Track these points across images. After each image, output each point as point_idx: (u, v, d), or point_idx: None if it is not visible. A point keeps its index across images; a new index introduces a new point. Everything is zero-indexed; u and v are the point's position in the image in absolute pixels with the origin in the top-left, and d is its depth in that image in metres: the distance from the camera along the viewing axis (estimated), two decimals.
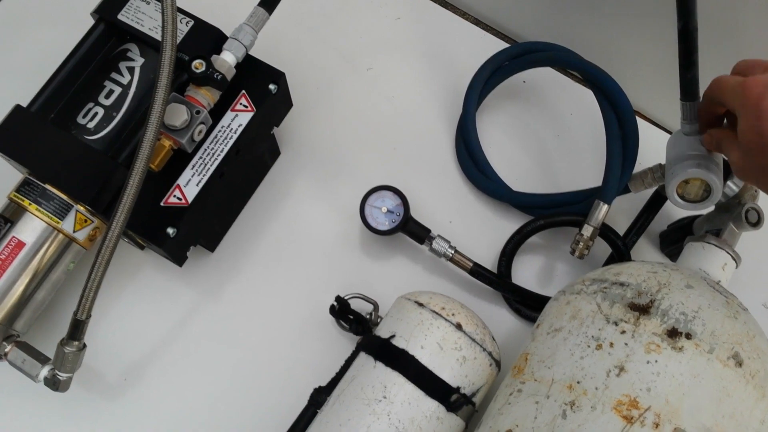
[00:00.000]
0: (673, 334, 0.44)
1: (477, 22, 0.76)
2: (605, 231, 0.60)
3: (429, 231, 0.60)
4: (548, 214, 0.62)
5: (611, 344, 0.45)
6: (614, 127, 0.58)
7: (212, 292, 0.63)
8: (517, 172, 0.68)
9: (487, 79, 0.65)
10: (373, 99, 0.71)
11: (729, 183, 0.55)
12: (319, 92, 0.71)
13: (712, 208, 0.58)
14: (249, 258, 0.64)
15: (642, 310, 0.46)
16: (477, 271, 0.59)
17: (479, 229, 0.65)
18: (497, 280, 0.60)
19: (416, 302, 0.51)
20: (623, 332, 0.45)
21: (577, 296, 0.49)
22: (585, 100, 0.69)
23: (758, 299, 0.64)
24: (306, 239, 0.64)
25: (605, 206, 0.58)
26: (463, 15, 0.76)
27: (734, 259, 0.54)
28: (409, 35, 0.74)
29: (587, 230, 0.58)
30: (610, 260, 0.61)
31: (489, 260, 0.64)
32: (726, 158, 0.49)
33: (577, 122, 0.70)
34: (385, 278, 0.63)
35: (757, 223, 0.55)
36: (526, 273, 0.64)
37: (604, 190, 0.58)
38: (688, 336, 0.44)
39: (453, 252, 0.60)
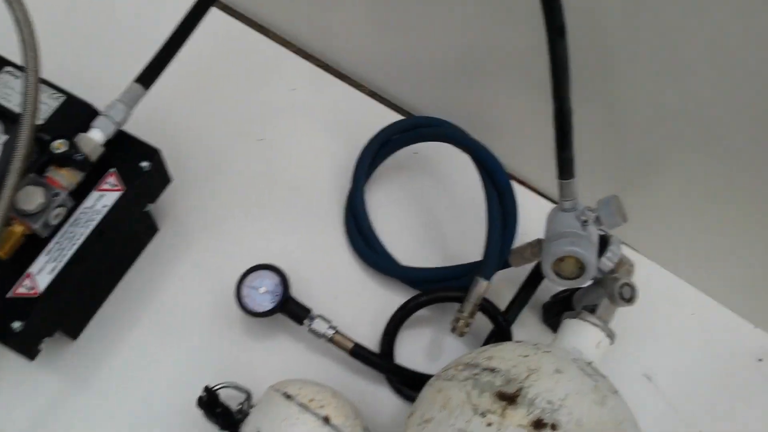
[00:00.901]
0: (538, 425, 0.43)
1: (372, 94, 0.75)
2: (486, 306, 0.59)
3: (309, 311, 0.58)
4: (435, 288, 0.61)
5: None
6: (494, 203, 0.58)
7: (77, 381, 0.58)
8: (408, 246, 0.67)
9: (376, 152, 0.64)
10: (263, 171, 0.69)
11: (604, 259, 0.56)
12: (208, 164, 0.69)
13: (589, 283, 0.58)
14: (120, 342, 0.60)
15: (509, 399, 0.45)
16: (357, 353, 0.58)
17: (367, 306, 0.63)
18: (378, 361, 0.58)
19: (284, 394, 0.49)
20: (489, 424, 0.43)
21: (449, 383, 0.48)
22: (476, 173, 0.69)
23: (639, 370, 0.64)
24: (182, 321, 0.61)
25: (485, 282, 0.57)
26: (359, 87, 0.75)
27: (609, 336, 0.54)
28: (304, 106, 0.74)
29: (467, 307, 0.57)
30: (491, 337, 0.61)
31: (377, 337, 0.62)
32: None
33: (467, 194, 0.70)
34: (266, 360, 0.60)
35: (630, 299, 0.55)
36: (415, 348, 0.63)
37: (484, 267, 0.57)
38: (554, 427, 0.43)
39: (333, 332, 0.58)
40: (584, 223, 0.54)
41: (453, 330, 0.58)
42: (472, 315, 0.57)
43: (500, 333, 0.60)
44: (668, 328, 0.68)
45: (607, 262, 0.56)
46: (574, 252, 0.52)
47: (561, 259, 0.53)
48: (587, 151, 0.67)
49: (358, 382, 0.60)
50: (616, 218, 0.54)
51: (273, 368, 0.58)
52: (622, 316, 0.57)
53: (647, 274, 0.71)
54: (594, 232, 0.55)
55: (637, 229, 0.70)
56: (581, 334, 0.54)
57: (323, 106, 0.74)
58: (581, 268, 0.53)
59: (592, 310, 0.56)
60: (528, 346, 0.50)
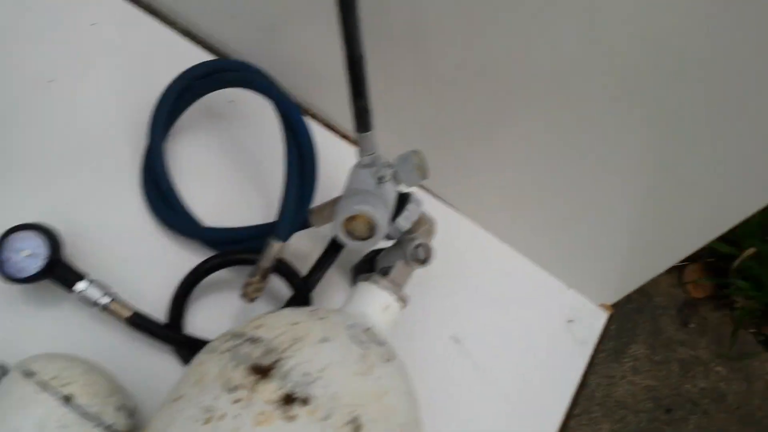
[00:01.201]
0: (288, 400, 0.39)
1: (186, 33, 0.69)
2: (283, 269, 0.55)
3: (83, 276, 0.52)
4: (230, 250, 0.56)
5: (222, 416, 0.39)
6: (293, 158, 0.53)
7: None
8: (217, 204, 0.61)
9: (175, 101, 0.58)
10: (53, 117, 0.61)
11: (400, 219, 0.53)
12: None
13: (389, 243, 0.56)
14: None
15: (263, 372, 0.41)
16: (135, 322, 0.52)
17: (164, 270, 0.57)
18: (160, 331, 0.53)
19: (25, 372, 0.43)
20: (237, 401, 0.40)
21: (209, 356, 0.44)
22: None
23: (449, 332, 0.63)
24: None
25: (277, 244, 0.53)
26: (172, 24, 0.68)
27: (400, 300, 0.51)
28: (104, 44, 0.66)
29: (257, 271, 0.53)
30: (289, 303, 0.57)
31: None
32: None
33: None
34: (38, 334, 0.54)
35: (425, 261, 0.53)
36: (215, 316, 0.58)
37: (277, 227, 0.53)
38: (305, 401, 0.39)
39: (109, 300, 0.52)
40: (380, 180, 0.51)
41: (243, 296, 0.53)
42: (263, 279, 0.53)
43: (298, 298, 0.56)
44: (483, 288, 0.67)
45: (404, 222, 0.53)
46: (362, 210, 0.48)
47: (351, 218, 0.50)
48: (407, 106, 0.64)
49: (146, 356, 0.55)
50: (414, 175, 0.51)
51: (44, 343, 0.52)
52: (437, 277, 0.55)
53: (468, 234, 0.69)
54: (390, 190, 0.51)
55: (454, 185, 0.68)
56: (369, 298, 0.51)
57: (128, 45, 0.66)
58: (372, 228, 0.50)
59: (387, 272, 0.53)
60: (304, 312, 0.47)
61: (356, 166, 0.52)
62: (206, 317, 0.58)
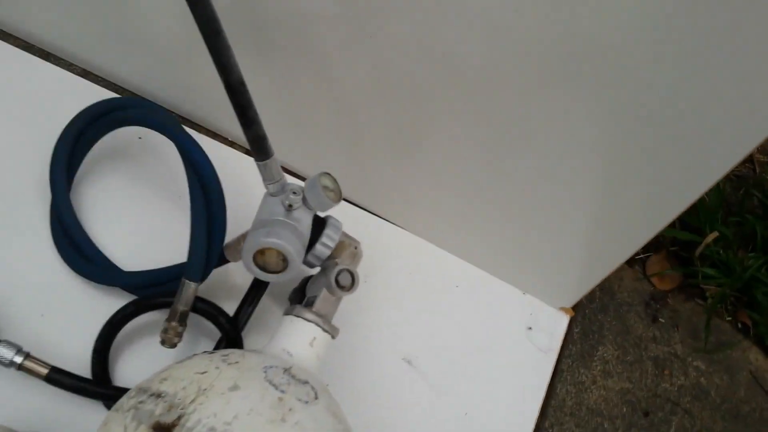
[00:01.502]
0: None
1: (86, 74, 0.66)
2: (206, 310, 0.52)
3: None
4: (148, 295, 0.53)
5: None
6: (197, 194, 0.51)
7: None
8: (139, 246, 0.58)
9: (73, 145, 0.55)
10: None
11: (318, 245, 0.50)
12: None
13: (316, 270, 0.53)
14: None
15: (166, 430, 0.38)
16: (54, 379, 0.50)
17: (85, 321, 0.54)
18: (81, 385, 0.50)
19: None
20: None
21: (116, 414, 0.41)
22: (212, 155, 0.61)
23: (399, 354, 0.60)
24: None
25: (192, 285, 0.50)
26: (69, 66, 0.65)
27: (328, 331, 0.49)
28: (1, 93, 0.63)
29: (173, 314, 0.50)
30: (219, 344, 0.54)
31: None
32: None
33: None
34: None
35: (349, 287, 0.50)
36: (147, 363, 0.55)
37: (188, 268, 0.50)
38: None
39: (23, 358, 0.49)
40: (289, 207, 0.48)
41: (162, 342, 0.51)
42: (181, 323, 0.50)
43: (228, 340, 0.53)
44: (432, 303, 0.64)
45: (322, 249, 0.50)
46: (271, 243, 0.46)
47: (261, 252, 0.47)
48: (322, 123, 0.61)
49: (80, 414, 0.52)
50: (325, 199, 0.48)
51: None
52: (384, 297, 0.52)
53: (412, 248, 0.67)
54: (302, 217, 0.49)
55: (390, 200, 0.66)
56: (292, 333, 0.48)
57: (25, 91, 0.63)
58: (285, 260, 0.47)
59: (312, 302, 0.50)
60: (215, 358, 0.44)
61: (265, 195, 0.50)
62: (138, 365, 0.55)
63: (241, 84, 0.43)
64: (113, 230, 0.58)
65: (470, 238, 0.65)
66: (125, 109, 0.55)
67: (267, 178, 0.48)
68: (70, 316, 0.55)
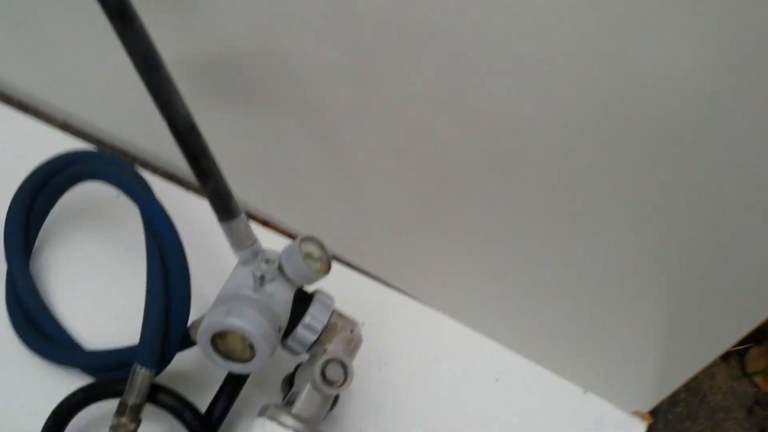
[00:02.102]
0: None
1: (65, 127, 0.60)
2: (169, 403, 0.42)
3: None
4: (102, 380, 0.44)
5: None
6: (154, 263, 0.42)
7: None
8: (104, 320, 0.50)
9: (31, 203, 0.48)
10: None
11: (300, 328, 0.39)
12: None
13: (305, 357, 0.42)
14: None
15: None
16: None
17: (36, 407, 0.45)
18: None
19: None
20: None
21: None
22: (196, 211, 0.52)
23: None
24: None
25: (144, 372, 0.41)
26: (48, 120, 0.59)
27: None
28: None
29: (123, 408, 0.40)
30: None
31: None
32: None
33: (194, 238, 0.54)
34: None
35: (340, 383, 0.39)
36: None
37: (139, 351, 0.41)
38: None
39: None
40: (261, 280, 0.38)
41: None
42: (133, 419, 0.41)
43: None
44: (469, 402, 0.52)
45: (305, 333, 0.39)
46: (229, 325, 0.36)
47: (221, 336, 0.37)
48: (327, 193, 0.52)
49: None
50: (306, 270, 0.38)
51: None
52: (416, 402, 0.42)
53: (445, 333, 0.55)
54: (278, 292, 0.38)
55: (423, 278, 0.55)
56: None
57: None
58: (252, 347, 0.37)
59: (294, 400, 0.39)
60: None
61: (237, 264, 0.40)
62: None
63: (191, 128, 0.34)
64: (79, 301, 0.50)
65: (513, 321, 0.53)
66: (84, 163, 0.47)
67: (234, 242, 0.38)
68: (21, 400, 0.46)
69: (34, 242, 0.51)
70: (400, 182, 0.48)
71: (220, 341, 0.37)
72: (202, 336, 0.37)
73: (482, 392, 0.52)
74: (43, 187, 0.48)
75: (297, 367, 0.45)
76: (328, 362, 0.38)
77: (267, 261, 0.38)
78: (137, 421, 0.41)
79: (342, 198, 0.51)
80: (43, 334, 0.47)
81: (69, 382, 0.47)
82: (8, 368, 0.47)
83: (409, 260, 0.53)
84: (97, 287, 0.52)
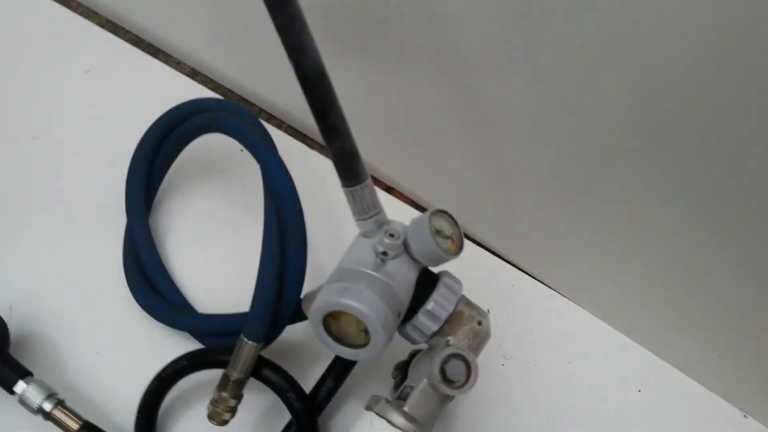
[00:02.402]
0: None
1: (194, 74, 0.57)
2: (273, 380, 0.39)
3: (26, 375, 0.41)
4: (210, 348, 0.42)
5: None
6: (272, 224, 0.38)
7: None
8: (224, 283, 0.47)
9: (152, 159, 0.46)
10: (34, 178, 0.52)
11: (421, 315, 0.34)
12: None
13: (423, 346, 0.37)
14: None
15: None
16: None
17: (142, 369, 0.42)
18: None
19: None
20: None
21: None
22: (318, 171, 0.48)
23: None
24: None
25: (251, 345, 0.37)
26: (177, 65, 0.57)
27: None
28: (100, 93, 0.55)
29: (225, 382, 0.37)
30: (287, 430, 0.40)
31: None
32: None
33: (314, 201, 0.50)
34: None
35: (464, 383, 0.33)
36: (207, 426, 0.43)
37: (247, 323, 0.37)
38: None
39: (53, 406, 0.40)
40: (383, 257, 0.33)
41: (209, 417, 0.38)
42: (234, 394, 0.38)
43: (298, 425, 0.39)
44: (610, 411, 0.45)
45: (426, 321, 0.34)
46: (345, 306, 0.31)
47: (334, 316, 0.33)
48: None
49: None
50: (434, 248, 0.33)
51: None
52: (540, 392, 0.37)
53: (583, 329, 0.48)
54: (401, 272, 0.33)
55: (554, 262, 0.48)
56: None
57: (127, 92, 0.55)
58: (367, 332, 0.32)
59: (407, 396, 0.35)
60: None
61: (358, 234, 0.35)
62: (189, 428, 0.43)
63: (320, 76, 0.29)
64: (196, 260, 0.48)
65: (667, 328, 0.45)
66: (209, 113, 0.44)
67: (357, 210, 0.34)
68: (129, 360, 0.45)
69: (155, 194, 0.49)
70: (547, 153, 0.41)
71: (333, 322, 0.33)
72: (314, 314, 0.33)
73: (621, 402, 0.45)
74: (168, 136, 0.45)
75: (412, 354, 0.40)
76: (449, 357, 0.33)
77: (391, 235, 0.33)
78: (238, 397, 0.38)
79: (477, 166, 0.45)
80: (157, 292, 0.45)
81: (179, 344, 0.45)
82: (121, 328, 0.46)
83: (549, 245, 0.47)
84: (214, 247, 0.49)
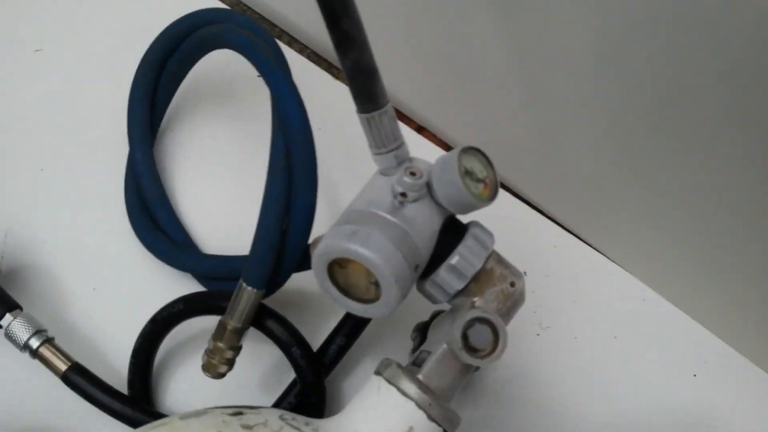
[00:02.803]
0: None
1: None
2: (277, 332, 0.35)
3: (14, 308, 0.38)
4: (206, 292, 0.38)
5: None
6: (278, 156, 0.33)
7: None
8: (233, 221, 0.42)
9: (157, 78, 0.41)
10: (34, 94, 0.48)
11: (442, 271, 0.29)
12: None
13: (446, 305, 0.32)
14: None
15: None
16: (72, 381, 0.36)
17: (140, 309, 0.38)
18: (102, 398, 0.36)
19: None
20: None
21: None
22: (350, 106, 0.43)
23: None
24: None
25: (250, 291, 0.33)
26: None
27: (435, 421, 0.28)
28: (107, 3, 0.51)
29: (221, 331, 0.33)
30: (290, 390, 0.36)
31: None
32: None
33: (329, 138, 0.44)
34: None
35: (489, 353, 0.28)
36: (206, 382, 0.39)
37: (249, 265, 0.33)
38: None
39: (39, 343, 0.37)
40: (401, 198, 0.28)
41: (203, 369, 0.34)
42: (231, 344, 0.34)
43: (303, 384, 0.35)
44: (663, 398, 0.40)
45: (450, 277, 0.29)
46: (353, 253, 0.26)
47: (341, 264, 0.28)
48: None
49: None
50: (463, 193, 0.27)
51: None
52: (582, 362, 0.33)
53: (635, 302, 0.43)
54: (421, 216, 0.28)
55: (608, 225, 0.43)
56: (377, 409, 0.28)
57: (129, 6, 0.51)
58: (377, 284, 0.27)
59: (423, 362, 0.30)
60: (232, 424, 0.26)
61: (376, 171, 0.30)
62: (194, 383, 0.39)
63: None
64: (204, 195, 0.44)
65: (726, 306, 0.39)
66: (216, 25, 0.38)
67: (374, 142, 0.29)
68: (128, 299, 0.41)
69: (161, 121, 0.45)
70: (610, 103, 0.35)
71: (339, 271, 0.28)
72: (317, 260, 0.28)
73: (672, 387, 0.40)
74: (173, 53, 0.41)
75: (434, 315, 0.35)
76: (473, 321, 0.28)
77: (412, 173, 0.28)
78: (236, 348, 0.34)
79: (524, 109, 0.40)
80: (158, 227, 0.41)
81: (184, 286, 0.41)
82: (121, 261, 0.42)
83: (600, 203, 0.41)
84: (224, 182, 0.45)
